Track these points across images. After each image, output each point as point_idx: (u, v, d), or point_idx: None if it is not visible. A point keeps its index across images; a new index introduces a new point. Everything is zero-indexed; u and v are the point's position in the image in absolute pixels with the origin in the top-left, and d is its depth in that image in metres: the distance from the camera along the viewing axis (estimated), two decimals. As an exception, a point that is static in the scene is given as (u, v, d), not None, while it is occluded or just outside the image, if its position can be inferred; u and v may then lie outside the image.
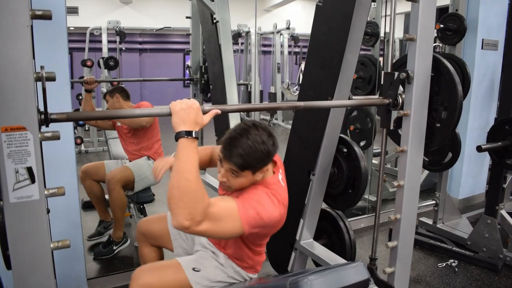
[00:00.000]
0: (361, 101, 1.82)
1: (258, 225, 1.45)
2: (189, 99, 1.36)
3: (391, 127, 1.84)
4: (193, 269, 1.68)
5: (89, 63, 6.09)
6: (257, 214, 1.43)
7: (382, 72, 1.83)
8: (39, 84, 1.15)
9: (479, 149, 2.77)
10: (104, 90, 6.51)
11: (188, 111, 1.31)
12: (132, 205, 3.48)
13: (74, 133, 6.16)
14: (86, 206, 3.98)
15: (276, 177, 1.63)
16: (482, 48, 3.92)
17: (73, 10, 8.87)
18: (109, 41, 6.95)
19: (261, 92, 9.72)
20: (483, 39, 3.90)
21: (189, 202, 1.26)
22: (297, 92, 9.38)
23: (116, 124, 3.35)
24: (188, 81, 4.29)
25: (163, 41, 11.01)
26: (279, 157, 1.73)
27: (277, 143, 1.55)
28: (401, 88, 1.78)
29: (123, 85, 3.92)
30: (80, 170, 3.09)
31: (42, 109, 1.18)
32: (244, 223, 1.41)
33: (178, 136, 1.30)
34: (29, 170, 1.10)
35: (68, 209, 2.31)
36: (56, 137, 1.15)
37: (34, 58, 1.38)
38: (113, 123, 3.41)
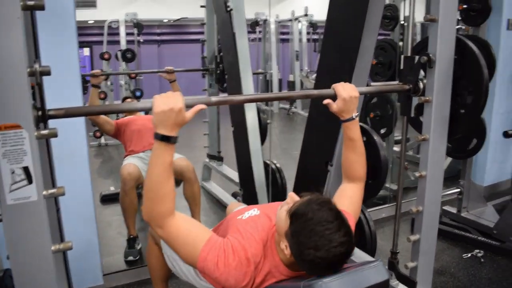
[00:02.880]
0: (380, 87, 1.74)
1: (209, 273, 1.33)
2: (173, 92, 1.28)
3: (412, 115, 1.76)
4: None
5: (106, 56, 6.11)
6: (215, 265, 1.31)
7: (402, 56, 1.73)
8: (47, 81, 1.12)
9: (507, 134, 2.66)
10: (123, 82, 6.53)
11: (169, 114, 1.23)
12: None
13: (94, 126, 6.22)
14: (104, 200, 4.00)
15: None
16: (507, 28, 3.74)
17: (91, 4, 8.93)
18: (127, 34, 6.94)
19: (280, 80, 9.63)
20: (508, 19, 3.72)
21: (150, 200, 1.30)
22: (316, 79, 9.26)
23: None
24: (204, 71, 4.25)
25: (181, 31, 10.99)
26: None
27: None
28: (422, 73, 1.69)
29: None
30: (126, 181, 2.94)
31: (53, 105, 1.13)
32: (201, 261, 1.32)
33: (155, 137, 1.26)
34: (26, 170, 1.05)
35: (82, 205, 2.29)
36: (53, 134, 1.10)
37: (37, 52, 1.35)
38: (117, 127, 3.30)
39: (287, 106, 9.42)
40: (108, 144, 6.38)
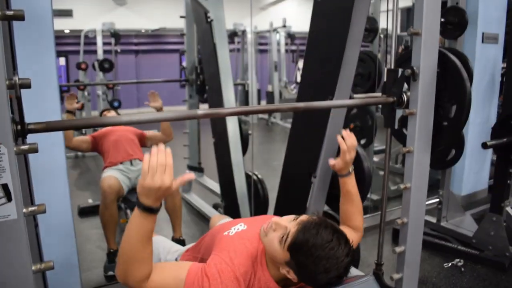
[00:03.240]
0: (364, 100, 1.74)
1: None
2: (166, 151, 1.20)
3: (396, 127, 1.76)
4: None
5: (83, 66, 6.03)
6: None
7: (385, 69, 1.75)
8: (23, 91, 1.05)
9: (485, 146, 2.70)
10: (100, 93, 6.44)
11: (155, 191, 1.17)
12: (128, 211, 3.39)
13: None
14: (83, 213, 3.91)
15: None
16: (482, 41, 3.85)
17: (67, 13, 8.81)
18: (104, 43, 6.87)
19: (259, 91, 9.67)
20: (483, 33, 3.83)
21: (125, 264, 1.22)
22: (295, 90, 9.35)
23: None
24: (184, 82, 4.22)
25: (159, 41, 10.94)
26: None
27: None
28: (405, 85, 1.70)
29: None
30: (107, 194, 2.84)
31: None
32: None
33: (138, 205, 1.20)
34: (5, 187, 0.98)
35: (61, 220, 2.21)
36: (33, 150, 1.03)
37: (14, 63, 1.30)
38: (94, 141, 3.26)
39: (266, 117, 9.45)
40: (85, 156, 6.27)
